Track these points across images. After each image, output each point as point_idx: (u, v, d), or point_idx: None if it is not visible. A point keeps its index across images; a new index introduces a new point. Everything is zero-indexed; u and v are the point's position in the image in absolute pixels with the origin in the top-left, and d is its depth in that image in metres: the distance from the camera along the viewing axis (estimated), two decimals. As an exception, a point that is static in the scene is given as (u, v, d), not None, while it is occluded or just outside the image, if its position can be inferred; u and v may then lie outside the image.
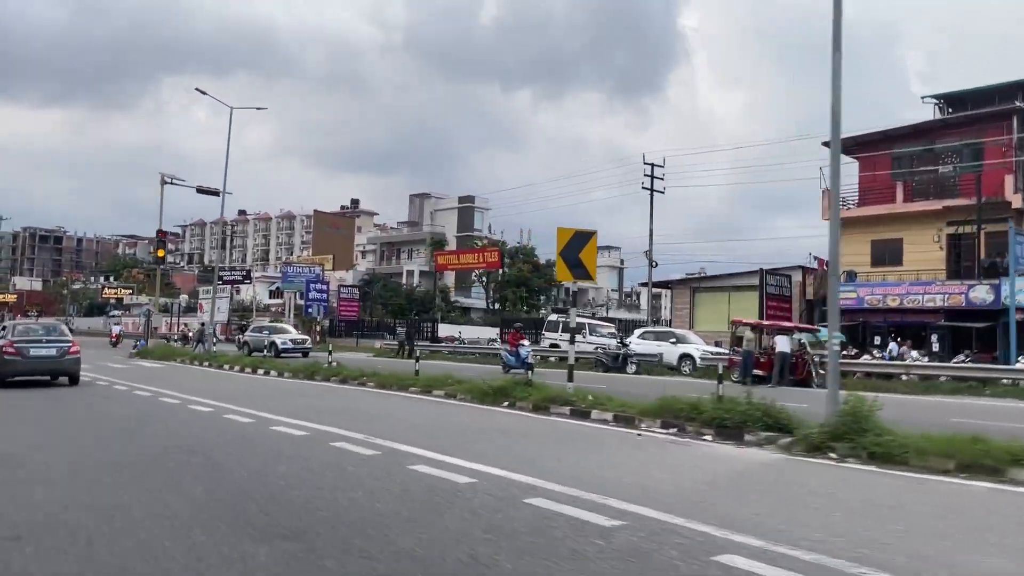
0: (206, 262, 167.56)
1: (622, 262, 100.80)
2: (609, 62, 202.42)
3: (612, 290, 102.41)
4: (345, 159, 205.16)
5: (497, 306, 75.67)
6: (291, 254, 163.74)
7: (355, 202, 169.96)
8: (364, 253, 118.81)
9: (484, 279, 76.86)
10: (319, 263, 63.02)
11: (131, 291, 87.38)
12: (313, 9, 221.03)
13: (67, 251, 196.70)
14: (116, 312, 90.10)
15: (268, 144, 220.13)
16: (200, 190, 34.26)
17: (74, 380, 18.12)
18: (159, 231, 34.62)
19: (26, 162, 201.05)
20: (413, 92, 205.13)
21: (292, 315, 63.94)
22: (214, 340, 37.60)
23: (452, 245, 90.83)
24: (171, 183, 34.13)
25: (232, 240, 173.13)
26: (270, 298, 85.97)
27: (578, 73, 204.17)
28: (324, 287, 56.49)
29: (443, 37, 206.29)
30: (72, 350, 18.06)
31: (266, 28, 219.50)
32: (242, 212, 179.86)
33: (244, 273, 64.97)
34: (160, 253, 34.91)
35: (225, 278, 63.80)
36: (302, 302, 54.84)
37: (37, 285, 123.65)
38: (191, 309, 74.91)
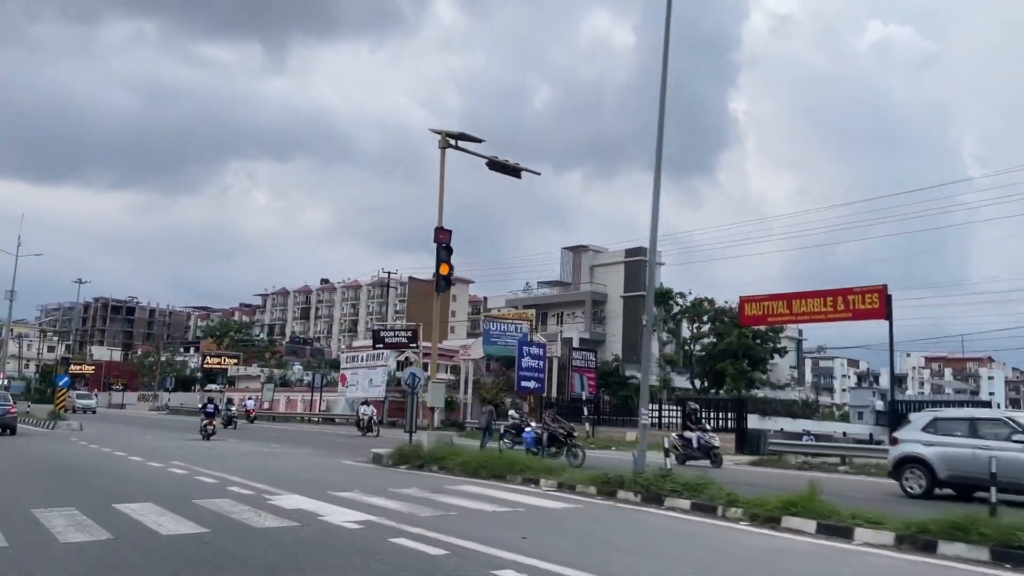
0: (288, 333, 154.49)
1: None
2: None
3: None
4: (397, 239, 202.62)
5: (703, 383, 58.94)
6: (383, 324, 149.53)
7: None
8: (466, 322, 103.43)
9: (690, 347, 60.31)
10: (523, 320, 47.11)
11: (236, 360, 72.63)
12: (369, 96, 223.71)
13: (139, 322, 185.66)
14: (214, 386, 75.36)
15: (323, 225, 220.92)
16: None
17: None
18: (440, 231, 19.10)
19: (93, 242, 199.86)
20: (465, 174, 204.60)
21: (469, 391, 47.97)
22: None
23: (617, 306, 74.99)
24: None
25: (317, 310, 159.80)
26: (399, 369, 70.15)
27: (629, 155, 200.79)
28: (541, 351, 40.36)
29: (496, 121, 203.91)
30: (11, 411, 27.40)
31: (324, 114, 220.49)
32: (325, 281, 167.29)
33: (410, 333, 49.38)
34: (444, 270, 19.22)
35: (388, 340, 48.17)
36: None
37: (116, 355, 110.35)
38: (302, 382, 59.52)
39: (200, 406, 37.34)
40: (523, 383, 39.18)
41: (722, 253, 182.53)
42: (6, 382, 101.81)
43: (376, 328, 50.89)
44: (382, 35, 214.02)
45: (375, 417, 39.38)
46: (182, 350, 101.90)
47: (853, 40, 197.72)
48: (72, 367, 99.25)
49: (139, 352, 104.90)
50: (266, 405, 57.87)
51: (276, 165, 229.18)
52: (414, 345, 50.67)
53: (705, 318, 59.58)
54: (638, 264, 75.08)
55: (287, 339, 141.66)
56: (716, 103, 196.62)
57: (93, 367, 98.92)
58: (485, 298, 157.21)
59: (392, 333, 50.12)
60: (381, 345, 49.35)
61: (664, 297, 48.79)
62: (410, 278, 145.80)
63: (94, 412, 45.77)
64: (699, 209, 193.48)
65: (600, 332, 73.70)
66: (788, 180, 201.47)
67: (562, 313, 79.78)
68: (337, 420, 50.67)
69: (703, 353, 59.68)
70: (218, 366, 72.98)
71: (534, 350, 40.20)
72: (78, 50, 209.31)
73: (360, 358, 53.37)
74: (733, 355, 54.71)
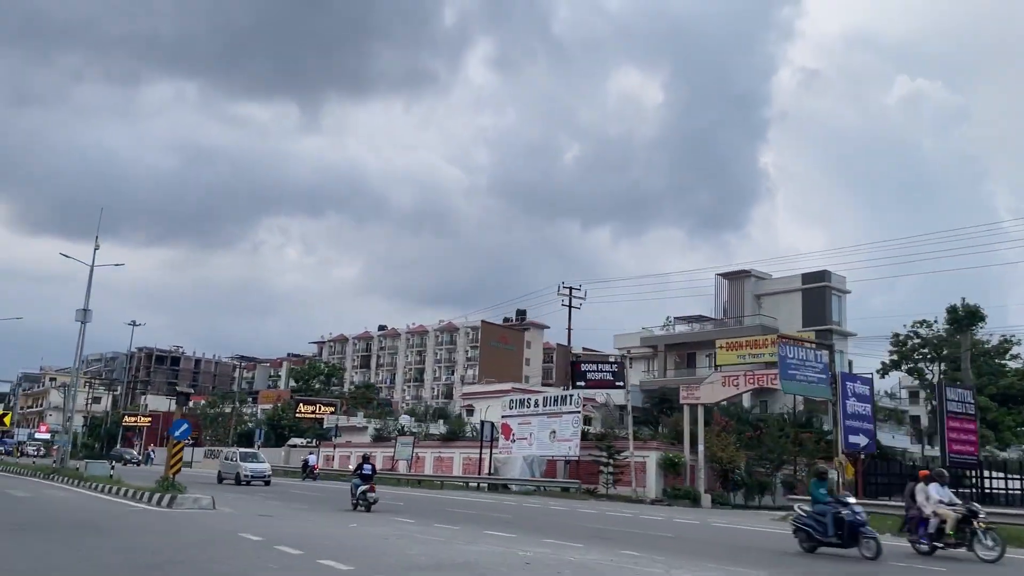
0: (346, 384, 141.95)
1: None
2: (690, 199, 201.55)
3: None
4: (426, 294, 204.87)
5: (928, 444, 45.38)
6: (451, 373, 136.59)
7: (521, 313, 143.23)
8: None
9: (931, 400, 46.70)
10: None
11: (334, 409, 59.88)
12: (401, 153, 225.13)
13: (184, 373, 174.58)
14: (300, 440, 62.56)
15: (353, 280, 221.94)
16: None
17: None
18: None
19: (129, 297, 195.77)
20: (494, 230, 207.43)
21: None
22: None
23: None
24: None
25: (379, 358, 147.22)
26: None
27: (658, 211, 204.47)
28: (867, 389, 27.20)
29: (525, 177, 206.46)
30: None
31: (357, 171, 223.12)
32: (382, 328, 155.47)
33: (615, 365, 36.46)
34: None
35: (589, 376, 35.30)
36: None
37: (169, 406, 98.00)
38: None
39: (353, 468, 25.81)
40: (850, 438, 26.01)
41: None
42: (51, 435, 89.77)
43: (575, 359, 37.90)
44: (415, 94, 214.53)
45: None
46: (250, 400, 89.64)
47: (882, 95, 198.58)
48: (125, 419, 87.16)
49: (202, 402, 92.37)
50: (399, 465, 44.94)
51: (308, 221, 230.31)
52: (620, 384, 37.64)
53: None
54: (820, 292, 62.05)
55: (349, 387, 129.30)
56: (747, 158, 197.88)
57: (149, 418, 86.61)
58: (529, 343, 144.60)
59: (595, 367, 37.07)
60: (582, 384, 36.43)
61: (972, 318, 35.46)
62: (483, 322, 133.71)
63: (267, 483, 34.92)
64: (730, 264, 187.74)
65: (771, 375, 60.12)
66: (817, 234, 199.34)
67: (715, 353, 66.59)
68: (513, 487, 37.48)
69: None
70: (312, 415, 60.39)
71: (859, 388, 27.13)
72: (119, 111, 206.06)
73: (532, 402, 40.36)
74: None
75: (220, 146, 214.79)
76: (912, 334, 46.80)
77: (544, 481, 37.32)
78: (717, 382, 35.41)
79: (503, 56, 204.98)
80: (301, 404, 60.45)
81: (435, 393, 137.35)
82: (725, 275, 66.63)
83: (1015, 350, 42.49)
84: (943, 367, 45.98)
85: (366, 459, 24.05)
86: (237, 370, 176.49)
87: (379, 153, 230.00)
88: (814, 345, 29.63)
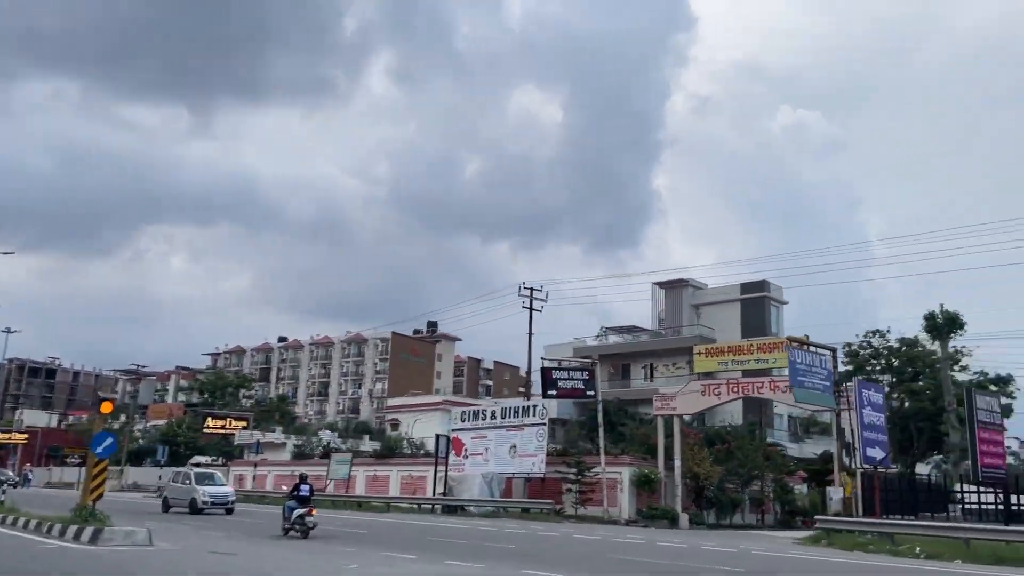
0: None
1: None
2: (588, 217, 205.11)
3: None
4: (323, 307, 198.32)
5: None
6: (359, 387, 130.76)
7: (432, 325, 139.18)
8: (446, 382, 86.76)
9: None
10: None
11: (246, 424, 54.25)
12: (297, 162, 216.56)
13: (61, 387, 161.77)
14: (204, 459, 56.70)
15: (244, 292, 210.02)
16: None
17: None
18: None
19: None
20: (394, 243, 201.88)
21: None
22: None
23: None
24: None
25: (279, 371, 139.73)
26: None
27: (557, 227, 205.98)
28: (880, 398, 24.93)
29: (426, 190, 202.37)
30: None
31: (250, 180, 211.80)
32: (283, 339, 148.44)
33: (586, 373, 33.30)
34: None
35: (562, 384, 32.08)
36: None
37: (49, 421, 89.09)
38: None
39: (289, 489, 21.77)
40: (868, 451, 23.64)
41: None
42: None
43: (547, 366, 34.35)
44: (313, 102, 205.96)
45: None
46: (138, 415, 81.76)
47: (767, 122, 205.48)
48: (-2, 436, 78.29)
49: (83, 417, 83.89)
50: (329, 486, 40.35)
51: (197, 230, 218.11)
52: (591, 393, 34.44)
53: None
54: (759, 302, 60.87)
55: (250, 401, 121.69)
56: (642, 179, 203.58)
57: (26, 435, 77.81)
58: (440, 355, 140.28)
59: (566, 375, 33.67)
60: (554, 392, 32.99)
61: (952, 324, 34.02)
62: (393, 334, 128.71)
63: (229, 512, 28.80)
64: (624, 281, 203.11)
65: (710, 387, 58.36)
66: (706, 253, 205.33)
67: (652, 365, 64.49)
68: (472, 509, 33.66)
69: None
70: (222, 431, 54.52)
71: (874, 396, 24.84)
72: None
73: (488, 414, 36.67)
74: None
75: (103, 149, 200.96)
76: (866, 344, 45.62)
77: (508, 502, 33.60)
78: (696, 391, 32.64)
79: (405, 68, 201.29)
80: (209, 418, 54.57)
81: (341, 408, 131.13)
82: (662, 284, 64.73)
83: (964, 361, 41.66)
84: (893, 379, 45.03)
85: (303, 479, 20.99)
86: (120, 384, 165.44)
87: (275, 161, 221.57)
88: (816, 349, 27.15)
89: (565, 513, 32.68)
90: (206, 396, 62.50)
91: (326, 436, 54.89)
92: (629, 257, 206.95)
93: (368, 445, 52.29)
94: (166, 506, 30.64)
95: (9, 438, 76.95)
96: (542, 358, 68.27)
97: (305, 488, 20.34)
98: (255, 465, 47.30)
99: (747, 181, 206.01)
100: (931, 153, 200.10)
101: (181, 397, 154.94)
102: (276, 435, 54.10)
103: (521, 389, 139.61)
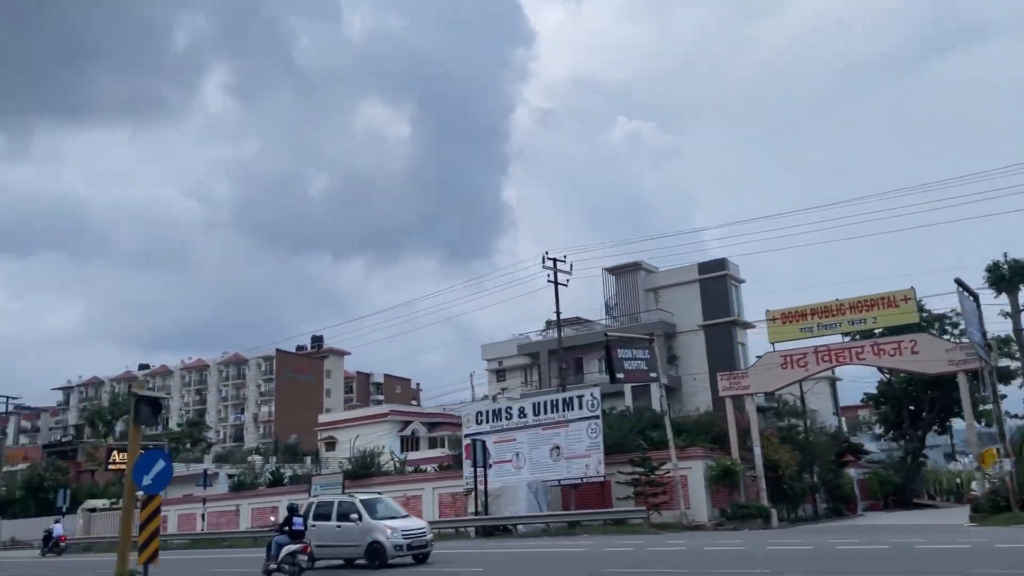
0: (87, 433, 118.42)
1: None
2: (440, 231, 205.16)
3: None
4: (164, 337, 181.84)
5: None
6: (241, 412, 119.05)
7: (317, 340, 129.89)
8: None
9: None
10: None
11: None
12: (126, 187, 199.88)
13: None
14: (101, 503, 47.13)
15: (74, 327, 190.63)
16: None
17: None
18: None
19: None
20: (240, 266, 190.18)
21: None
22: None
23: (694, 339, 56.68)
24: None
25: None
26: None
27: (409, 242, 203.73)
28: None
29: (271, 210, 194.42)
30: None
31: (74, 205, 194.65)
32: (144, 367, 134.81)
33: (646, 351, 27.81)
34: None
35: (628, 366, 26.69)
36: None
37: None
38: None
39: (280, 521, 18.02)
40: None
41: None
42: None
43: (610, 342, 28.32)
44: (142, 121, 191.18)
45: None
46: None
47: (606, 133, 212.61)
48: None
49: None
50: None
51: (14, 261, 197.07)
52: (654, 375, 28.89)
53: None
54: (719, 281, 57.48)
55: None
56: (491, 191, 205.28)
57: None
58: (329, 372, 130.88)
59: (630, 353, 27.84)
60: (621, 376, 27.21)
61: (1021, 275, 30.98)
62: (277, 351, 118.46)
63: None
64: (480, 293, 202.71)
65: (675, 376, 54.56)
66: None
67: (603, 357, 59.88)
68: (520, 528, 27.37)
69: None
70: (122, 466, 44.98)
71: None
72: None
73: (517, 412, 30.44)
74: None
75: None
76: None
77: (582, 514, 27.22)
78: (774, 365, 27.89)
79: (243, 83, 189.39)
80: (116, 452, 44.85)
81: (221, 436, 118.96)
82: (612, 270, 60.21)
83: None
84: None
85: (294, 511, 17.50)
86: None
87: (102, 185, 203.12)
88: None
89: (635, 522, 26.95)
90: (98, 427, 52.19)
91: (256, 460, 46.43)
92: (484, 267, 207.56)
93: (314, 468, 44.42)
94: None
95: None
96: (488, 359, 61.91)
97: (298, 521, 17.27)
98: (204, 501, 38.53)
99: (590, 189, 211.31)
100: (758, 156, 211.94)
101: (23, 440, 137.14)
102: (202, 465, 45.00)
103: (414, 401, 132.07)
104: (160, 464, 12.17)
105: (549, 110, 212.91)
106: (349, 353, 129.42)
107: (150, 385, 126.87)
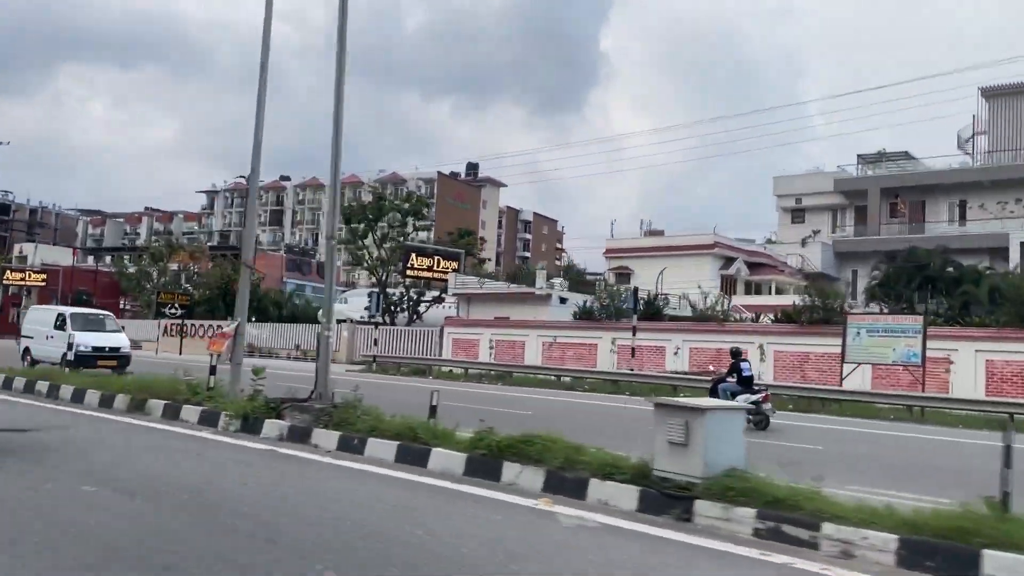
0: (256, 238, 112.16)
1: None
2: (532, 78, 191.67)
3: None
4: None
5: None
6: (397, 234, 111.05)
7: (472, 168, 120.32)
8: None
9: None
10: None
11: (455, 267, 35.99)
12: (228, 4, 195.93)
13: (18, 224, 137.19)
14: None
15: (171, 142, 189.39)
16: None
17: None
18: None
19: None
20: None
21: None
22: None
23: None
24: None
25: (296, 214, 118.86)
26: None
27: (501, 87, 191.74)
28: None
29: (364, 41, 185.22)
30: None
31: (176, 20, 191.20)
32: (285, 178, 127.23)
33: None
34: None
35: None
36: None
37: (65, 258, 67.93)
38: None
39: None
40: None
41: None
42: None
43: None
44: None
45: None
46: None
47: None
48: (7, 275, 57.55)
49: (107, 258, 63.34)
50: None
51: (118, 73, 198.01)
52: None
53: None
54: None
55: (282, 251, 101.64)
56: (590, 40, 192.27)
57: (44, 275, 57.28)
58: (485, 202, 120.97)
59: None
60: None
61: None
62: (439, 174, 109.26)
63: None
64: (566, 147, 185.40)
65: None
66: (646, 121, 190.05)
67: (963, 202, 47.73)
68: None
69: None
70: (428, 273, 35.97)
71: None
72: None
73: None
74: None
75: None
76: None
77: None
78: None
79: None
80: (415, 255, 35.87)
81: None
82: (989, 92, 46.97)
83: None
84: None
85: (738, 354, 15.81)
86: (81, 224, 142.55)
87: (202, 1, 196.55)
88: None
89: None
90: (362, 225, 43.78)
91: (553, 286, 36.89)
92: (573, 123, 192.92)
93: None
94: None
95: (24, 279, 56.33)
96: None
97: (747, 366, 15.68)
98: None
99: (692, 45, 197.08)
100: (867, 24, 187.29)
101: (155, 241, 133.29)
102: (541, 288, 35.77)
103: (558, 245, 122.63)
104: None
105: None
106: (505, 185, 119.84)
107: (299, 198, 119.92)
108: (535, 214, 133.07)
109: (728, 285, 42.73)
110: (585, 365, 29.29)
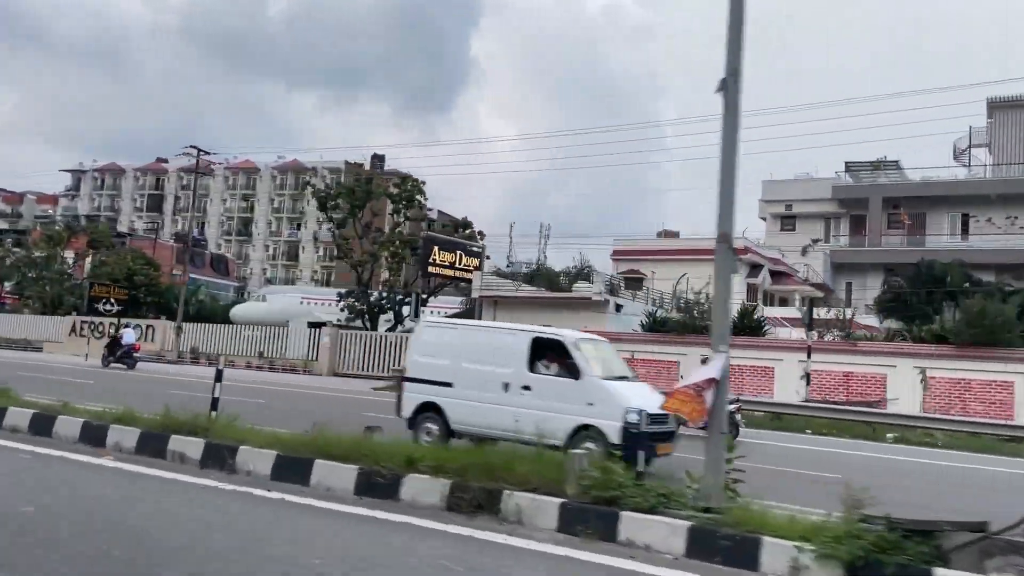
0: (131, 225, 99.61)
1: None
2: (402, 76, 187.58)
3: None
4: (100, 145, 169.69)
5: None
6: (296, 228, 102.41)
7: (379, 158, 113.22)
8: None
9: None
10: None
11: (477, 264, 30.01)
12: None
13: None
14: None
15: (5, 118, 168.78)
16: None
17: None
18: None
19: None
20: (185, 81, 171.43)
21: None
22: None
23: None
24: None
25: (179, 200, 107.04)
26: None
27: (369, 83, 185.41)
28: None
29: (224, 24, 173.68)
30: None
31: None
32: (163, 159, 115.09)
33: None
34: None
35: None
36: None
37: None
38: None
39: None
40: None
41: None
42: None
43: None
44: None
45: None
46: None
47: (585, 2, 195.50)
48: None
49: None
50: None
51: None
52: None
53: None
54: None
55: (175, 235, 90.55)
56: (460, 43, 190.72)
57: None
58: None
59: None
60: None
61: None
62: (346, 163, 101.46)
63: None
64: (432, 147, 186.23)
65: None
66: (511, 128, 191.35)
67: (965, 215, 46.10)
68: None
69: None
70: (450, 270, 29.42)
71: None
72: None
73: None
74: None
75: None
76: None
77: None
78: None
79: None
80: (437, 249, 29.30)
81: (272, 253, 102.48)
82: (996, 103, 45.51)
83: None
84: None
85: None
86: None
87: None
88: None
89: None
90: (346, 212, 36.67)
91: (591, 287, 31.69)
92: (439, 123, 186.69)
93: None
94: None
95: None
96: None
97: None
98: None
99: (559, 59, 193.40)
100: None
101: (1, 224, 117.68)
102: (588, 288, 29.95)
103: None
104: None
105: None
106: (423, 181, 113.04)
107: (183, 183, 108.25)
108: (439, 212, 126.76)
109: (751, 296, 38.83)
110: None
